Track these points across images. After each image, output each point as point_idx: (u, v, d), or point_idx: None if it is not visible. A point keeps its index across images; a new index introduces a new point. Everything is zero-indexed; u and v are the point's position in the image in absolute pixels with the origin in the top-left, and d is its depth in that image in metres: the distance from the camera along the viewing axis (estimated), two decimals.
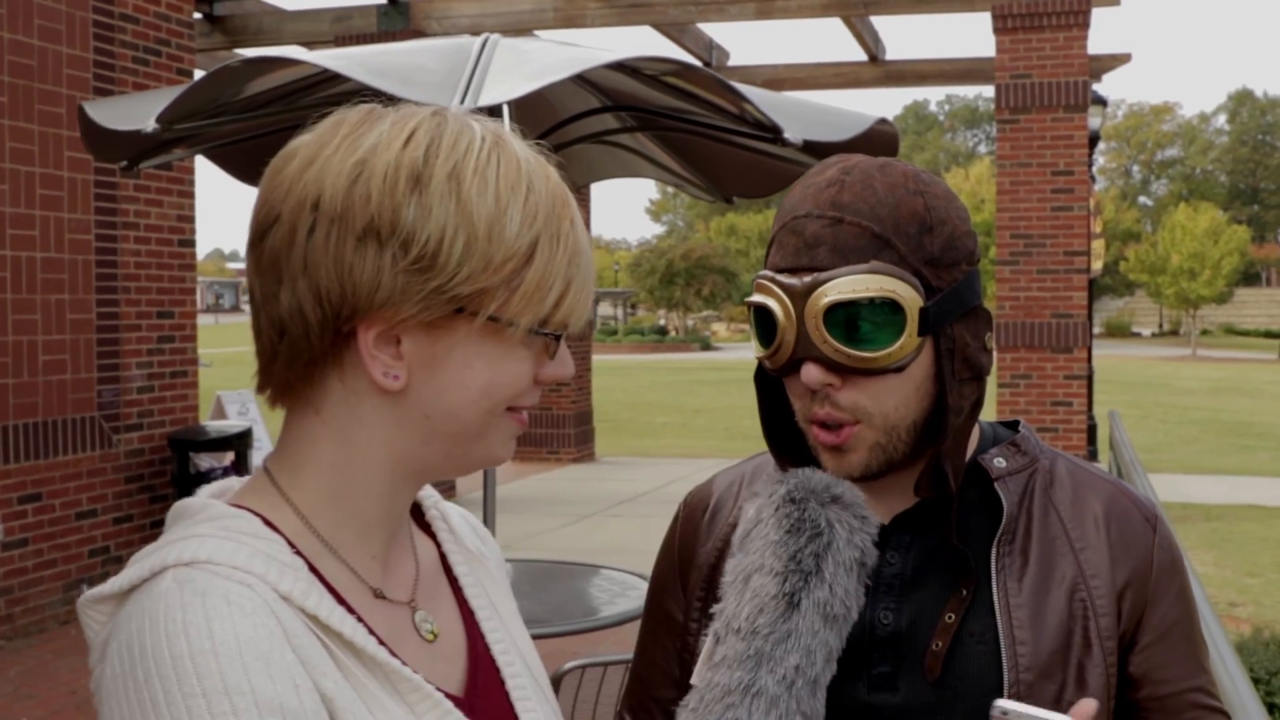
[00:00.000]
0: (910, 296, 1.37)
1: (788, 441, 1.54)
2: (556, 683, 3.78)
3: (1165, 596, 1.46)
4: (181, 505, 1.13)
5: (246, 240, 1.13)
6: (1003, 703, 1.27)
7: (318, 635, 1.05)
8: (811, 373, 1.39)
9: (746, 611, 1.33)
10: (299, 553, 1.09)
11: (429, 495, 1.32)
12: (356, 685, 1.06)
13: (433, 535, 1.31)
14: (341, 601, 1.10)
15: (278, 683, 0.97)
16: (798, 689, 1.30)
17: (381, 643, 1.10)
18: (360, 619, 1.10)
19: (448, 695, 1.14)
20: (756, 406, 1.57)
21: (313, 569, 1.09)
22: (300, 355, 1.09)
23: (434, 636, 1.20)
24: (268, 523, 1.10)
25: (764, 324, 1.43)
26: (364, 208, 1.05)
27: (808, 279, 1.38)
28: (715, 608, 1.39)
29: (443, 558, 1.30)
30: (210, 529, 1.06)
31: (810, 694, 1.31)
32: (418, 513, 1.31)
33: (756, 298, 1.44)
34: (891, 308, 1.36)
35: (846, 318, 1.37)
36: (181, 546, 1.04)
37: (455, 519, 1.36)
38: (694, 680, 1.37)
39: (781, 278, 1.40)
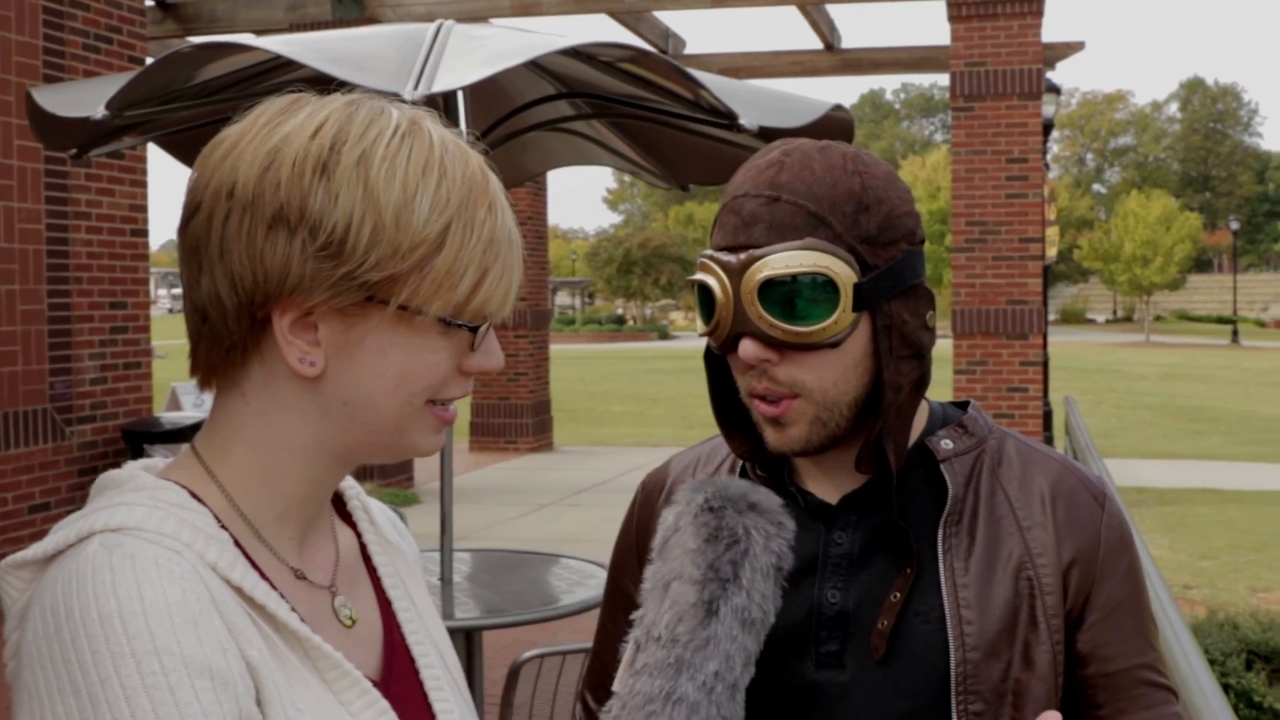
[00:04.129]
0: (844, 273, 1.39)
1: (736, 419, 1.56)
2: (515, 672, 3.77)
3: (1113, 574, 1.48)
4: (107, 476, 1.13)
5: (176, 226, 1.15)
6: None
7: (243, 606, 1.06)
8: (749, 348, 1.41)
9: (666, 619, 1.36)
10: (224, 527, 1.10)
11: (350, 486, 1.33)
12: (279, 657, 1.07)
13: (353, 525, 1.32)
14: (265, 578, 1.11)
15: (206, 646, 0.98)
16: (717, 694, 1.33)
17: (303, 620, 1.11)
18: (282, 596, 1.11)
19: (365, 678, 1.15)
20: (708, 391, 1.58)
21: (237, 544, 1.10)
22: (220, 340, 1.11)
23: (352, 622, 1.21)
24: (195, 496, 1.10)
25: (705, 301, 1.46)
26: (273, 195, 1.07)
27: (744, 255, 1.41)
28: (635, 614, 1.42)
29: (363, 548, 1.31)
30: (138, 498, 1.08)
31: (729, 698, 1.34)
32: (339, 502, 1.32)
33: (698, 275, 1.47)
34: (825, 284, 1.39)
35: (781, 294, 1.39)
36: (109, 513, 1.05)
37: (375, 511, 1.36)
38: (615, 687, 1.39)
39: (720, 255, 1.44)
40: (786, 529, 1.41)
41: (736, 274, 1.41)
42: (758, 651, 1.37)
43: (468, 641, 4.17)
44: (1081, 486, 1.52)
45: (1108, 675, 1.46)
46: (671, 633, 1.35)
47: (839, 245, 1.40)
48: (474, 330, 1.14)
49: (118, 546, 1.00)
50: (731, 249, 1.43)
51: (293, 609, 1.10)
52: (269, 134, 1.09)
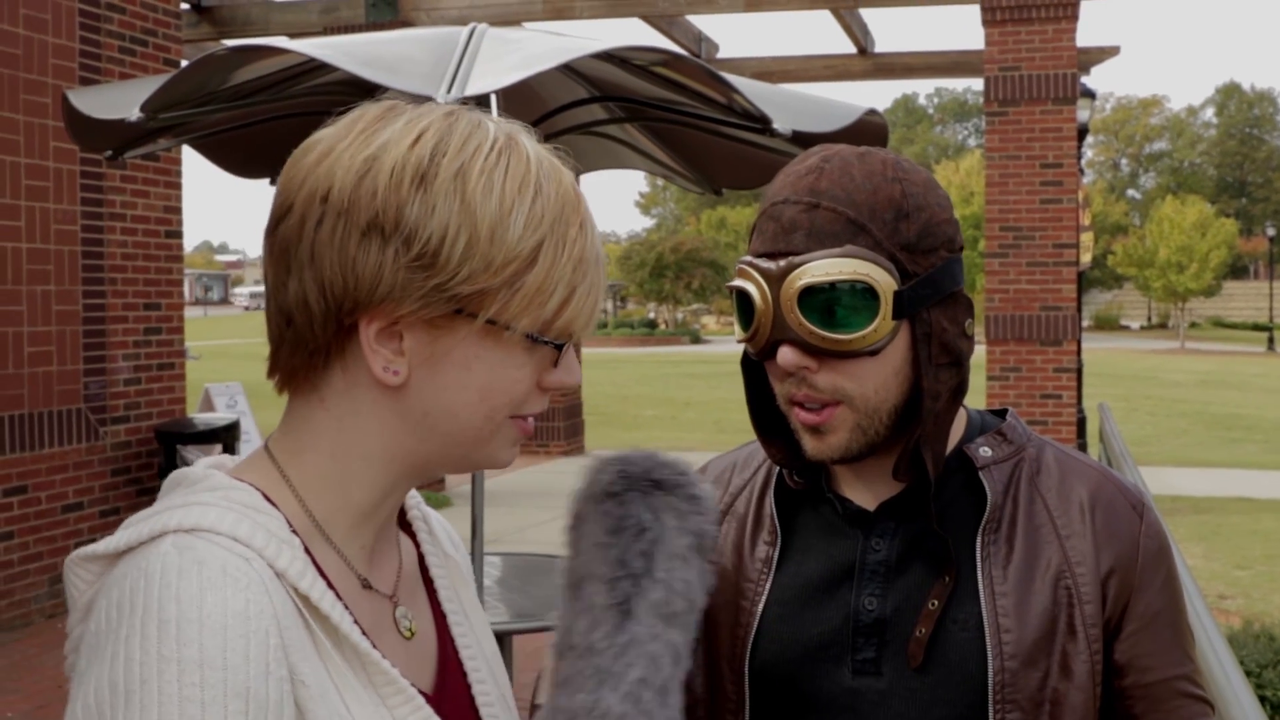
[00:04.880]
0: (884, 280, 1.38)
1: (773, 425, 1.56)
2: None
3: (1151, 584, 1.47)
4: (180, 473, 1.13)
5: (265, 226, 1.14)
6: None
7: (305, 617, 1.05)
8: (787, 355, 1.41)
9: (581, 626, 1.26)
10: (295, 532, 1.09)
11: (412, 495, 1.33)
12: (334, 671, 1.06)
13: (412, 535, 1.31)
14: (331, 587, 1.10)
15: (252, 665, 0.97)
16: (645, 702, 1.22)
17: (364, 633, 1.11)
18: (346, 606, 1.10)
19: (419, 692, 1.14)
20: (744, 402, 1.59)
21: (306, 550, 1.09)
22: (304, 344, 1.11)
23: (411, 634, 1.21)
24: (268, 498, 1.10)
25: (744, 308, 1.46)
26: (369, 203, 1.06)
27: (783, 263, 1.40)
28: (552, 616, 1.34)
29: (420, 558, 1.30)
30: (212, 498, 1.07)
31: (660, 702, 1.23)
32: (400, 513, 1.31)
33: (736, 282, 1.46)
34: (865, 291, 1.38)
35: (822, 301, 1.39)
36: (184, 513, 1.05)
37: (434, 522, 1.36)
38: (539, 700, 1.34)
39: (759, 262, 1.43)
40: (703, 503, 1.33)
41: (776, 281, 1.40)
42: (690, 642, 1.29)
43: (499, 646, 4.17)
44: (1120, 495, 1.51)
45: (1145, 686, 1.45)
46: (587, 640, 1.25)
47: (879, 253, 1.39)
48: (558, 348, 1.14)
49: (189, 550, 1.00)
50: (771, 255, 1.42)
51: (355, 620, 1.10)
52: (366, 140, 1.09)
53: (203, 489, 1.09)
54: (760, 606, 1.53)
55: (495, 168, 1.09)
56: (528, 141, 1.14)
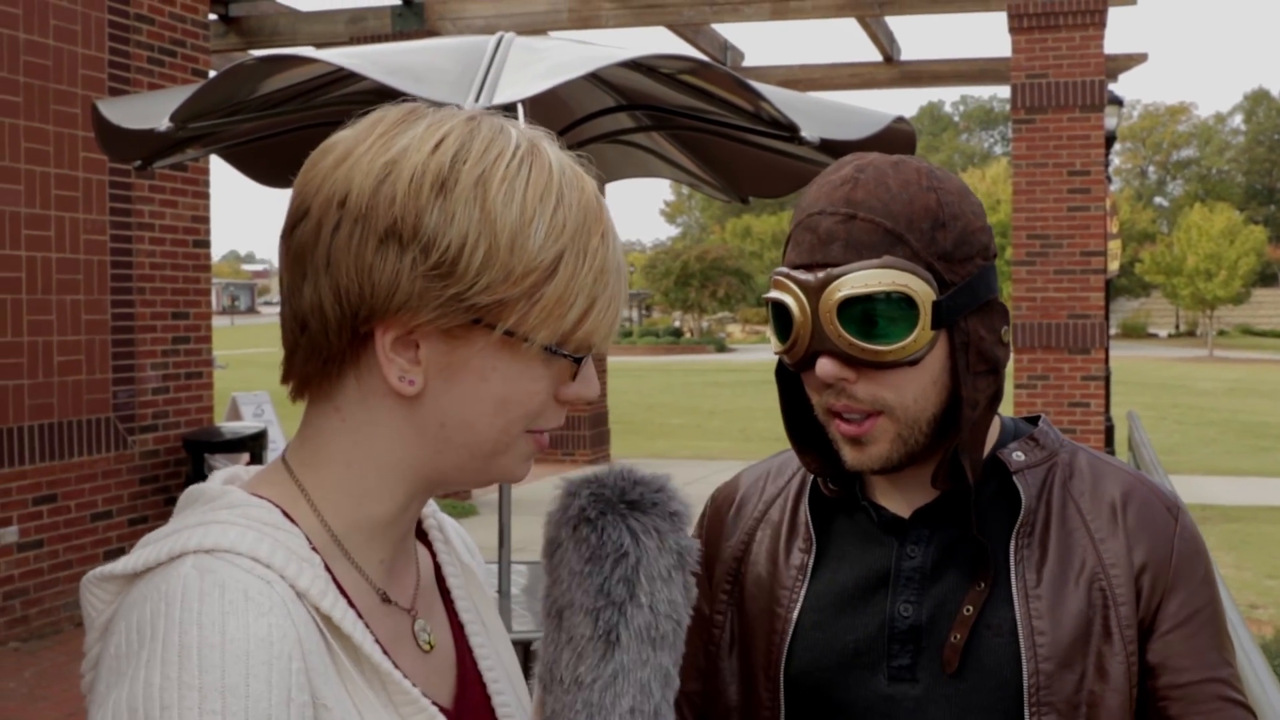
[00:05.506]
0: (923, 290, 1.38)
1: (808, 435, 1.55)
2: None
3: (1186, 585, 1.46)
4: (197, 490, 1.11)
5: (281, 230, 1.12)
6: None
7: (325, 637, 1.04)
8: (826, 366, 1.41)
9: (565, 659, 1.23)
10: (315, 549, 1.07)
11: (427, 505, 1.31)
12: (353, 690, 1.05)
13: (429, 545, 1.30)
14: (351, 604, 1.09)
15: (275, 692, 0.95)
16: None
17: (385, 651, 1.09)
18: (366, 623, 1.09)
19: (439, 707, 1.13)
20: (772, 407, 1.60)
21: (326, 567, 1.08)
22: (319, 351, 1.08)
23: (430, 647, 1.19)
24: (286, 515, 1.08)
25: (781, 319, 1.45)
26: (388, 209, 1.04)
27: (821, 274, 1.40)
28: (535, 645, 1.30)
29: (437, 568, 1.29)
30: (230, 516, 1.05)
31: None
32: (416, 522, 1.30)
33: (773, 294, 1.45)
34: (904, 302, 1.38)
35: (860, 312, 1.39)
36: (203, 532, 1.02)
37: (450, 531, 1.34)
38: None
39: (797, 273, 1.42)
40: (682, 519, 1.29)
41: (815, 292, 1.40)
42: (678, 662, 1.26)
43: (525, 654, 4.17)
44: (1154, 497, 1.51)
45: (1181, 686, 1.43)
46: (574, 674, 1.21)
47: (917, 263, 1.39)
48: (577, 361, 1.12)
49: (210, 572, 0.98)
50: (808, 267, 1.42)
51: (375, 638, 1.09)
52: (385, 145, 1.07)
53: (220, 506, 1.07)
54: (795, 614, 1.53)
55: (517, 176, 1.07)
56: (550, 149, 1.11)
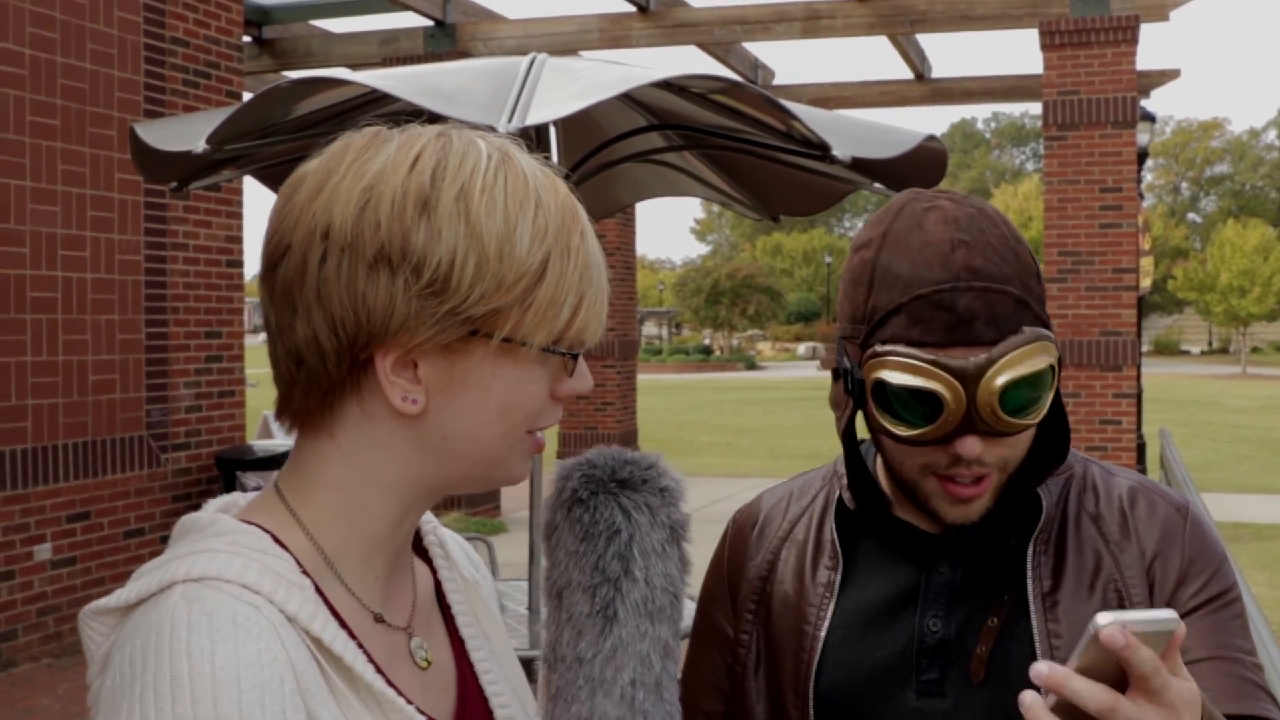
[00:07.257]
0: (1055, 354, 1.39)
1: (869, 493, 1.56)
2: None
3: (1200, 574, 1.46)
4: (189, 519, 1.11)
5: (259, 269, 1.12)
6: (1101, 616, 1.07)
7: (317, 659, 1.04)
8: (973, 446, 1.38)
9: (566, 637, 1.27)
10: (305, 572, 1.08)
11: (428, 520, 1.31)
12: (348, 710, 1.05)
13: (429, 561, 1.30)
14: (343, 625, 1.09)
15: (269, 715, 0.96)
16: (640, 701, 1.25)
17: (379, 670, 1.10)
18: (359, 644, 1.09)
19: None
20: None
21: (317, 590, 1.08)
22: (318, 384, 1.09)
23: (428, 664, 1.19)
24: (277, 540, 1.09)
25: (928, 406, 1.38)
26: (374, 235, 1.04)
27: (978, 359, 1.35)
28: (539, 625, 1.34)
29: (437, 584, 1.29)
30: (220, 544, 1.05)
31: (656, 699, 1.26)
32: (415, 538, 1.30)
33: (915, 381, 1.37)
34: (1050, 370, 1.38)
35: (1020, 392, 1.37)
36: (191, 562, 1.03)
37: (451, 545, 1.35)
38: (537, 712, 1.34)
39: (946, 359, 1.36)
40: (674, 494, 1.32)
41: (973, 380, 1.34)
42: (678, 634, 1.30)
43: None
44: (1161, 497, 1.53)
45: (1190, 664, 1.35)
46: (575, 651, 1.26)
47: (1041, 325, 1.39)
48: (574, 357, 1.14)
49: (197, 601, 0.99)
50: (947, 347, 1.36)
51: (369, 658, 1.09)
52: (360, 171, 1.07)
53: (210, 534, 1.07)
54: (824, 631, 1.53)
55: (495, 185, 1.07)
56: (520, 155, 1.12)
